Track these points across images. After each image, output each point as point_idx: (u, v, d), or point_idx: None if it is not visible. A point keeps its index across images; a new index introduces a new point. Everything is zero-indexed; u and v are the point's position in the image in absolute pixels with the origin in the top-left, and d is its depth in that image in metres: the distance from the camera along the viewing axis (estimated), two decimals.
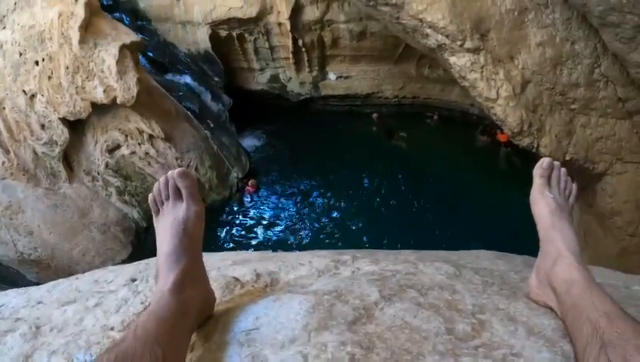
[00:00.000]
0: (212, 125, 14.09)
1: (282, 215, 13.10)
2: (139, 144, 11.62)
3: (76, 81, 10.53)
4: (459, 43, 8.17)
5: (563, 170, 1.67)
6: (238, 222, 12.94)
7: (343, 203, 13.29)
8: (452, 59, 8.42)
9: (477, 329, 1.28)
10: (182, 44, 15.60)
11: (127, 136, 11.52)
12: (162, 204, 1.59)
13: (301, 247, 11.94)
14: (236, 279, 1.82)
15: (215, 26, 14.46)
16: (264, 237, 12.48)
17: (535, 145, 8.36)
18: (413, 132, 15.12)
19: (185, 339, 1.30)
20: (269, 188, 13.92)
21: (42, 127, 10.94)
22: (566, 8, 7.56)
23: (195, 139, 12.66)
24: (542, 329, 1.30)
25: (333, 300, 1.40)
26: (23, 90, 10.84)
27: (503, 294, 1.53)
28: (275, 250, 11.71)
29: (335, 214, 12.96)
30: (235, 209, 13.23)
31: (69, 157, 11.50)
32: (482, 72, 8.25)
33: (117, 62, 10.48)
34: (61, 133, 10.92)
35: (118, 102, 10.66)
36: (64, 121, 10.83)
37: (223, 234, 12.55)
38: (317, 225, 12.71)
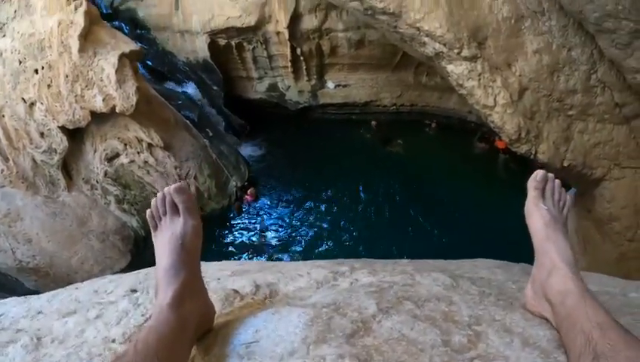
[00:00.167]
0: (211, 134, 14.11)
1: (281, 223, 13.09)
2: (138, 153, 11.63)
3: (75, 90, 10.56)
4: (456, 51, 8.21)
5: (557, 181, 1.69)
6: (236, 230, 12.94)
7: (341, 211, 13.30)
8: (449, 68, 8.47)
9: (473, 340, 1.29)
10: (181, 53, 15.65)
11: (126, 144, 11.53)
12: (160, 219, 1.61)
13: (300, 256, 11.94)
14: (235, 291, 1.83)
15: (214, 35, 14.51)
16: (263, 246, 12.48)
17: (533, 152, 8.39)
18: (411, 139, 15.17)
19: (185, 353, 1.32)
20: (267, 197, 13.93)
21: (41, 135, 10.96)
22: (562, 15, 7.61)
23: (194, 147, 12.68)
24: (537, 340, 1.31)
25: (331, 313, 1.41)
26: (23, 98, 10.87)
27: (499, 305, 1.54)
28: (274, 258, 11.72)
29: (334, 222, 12.96)
30: (234, 217, 13.22)
31: (68, 166, 11.52)
32: (480, 79, 8.29)
33: (116, 71, 10.51)
34: (60, 142, 10.94)
35: (117, 110, 10.67)
36: (63, 129, 10.85)
37: (221, 243, 12.54)
38: (316, 234, 12.71)
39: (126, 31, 15.34)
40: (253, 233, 12.86)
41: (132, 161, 11.66)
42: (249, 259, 12.01)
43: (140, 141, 11.54)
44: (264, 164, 15.17)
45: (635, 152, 8.16)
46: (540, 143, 8.34)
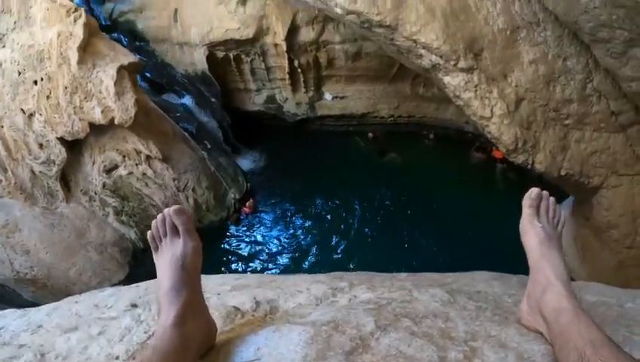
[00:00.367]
0: (209, 146, 14.14)
1: (279, 235, 13.09)
2: (136, 165, 11.65)
3: (74, 101, 10.61)
4: (453, 63, 8.27)
5: (551, 199, 1.72)
6: (235, 242, 12.93)
7: (340, 222, 13.30)
8: (446, 79, 8.52)
9: (469, 356, 1.32)
10: (179, 65, 15.70)
11: (124, 156, 11.56)
12: (160, 240, 1.65)
13: (298, 267, 11.93)
14: (236, 308, 1.85)
15: (212, 47, 14.57)
16: (261, 258, 12.46)
17: (530, 162, 8.43)
18: (409, 150, 15.19)
19: None
20: (266, 209, 13.93)
21: (40, 146, 11.00)
22: (557, 26, 7.69)
23: (192, 159, 12.70)
24: (531, 355, 1.34)
25: (331, 331, 1.44)
26: (22, 109, 10.92)
27: (495, 320, 1.57)
28: (272, 270, 11.71)
29: (332, 234, 12.96)
30: (233, 229, 13.23)
31: (66, 177, 11.54)
32: (476, 90, 8.34)
33: (115, 83, 10.56)
34: (59, 153, 10.97)
35: (115, 122, 10.71)
36: (62, 140, 10.89)
37: (220, 255, 12.51)
38: (314, 245, 12.70)
39: (125, 43, 15.43)
40: (251, 245, 12.86)
41: (130, 173, 11.68)
42: (248, 271, 12.00)
43: (138, 153, 11.57)
44: (262, 175, 15.19)
45: (631, 160, 8.23)
46: (537, 153, 8.39)
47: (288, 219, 13.59)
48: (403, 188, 13.90)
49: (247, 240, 13.03)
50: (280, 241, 12.94)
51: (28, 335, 1.91)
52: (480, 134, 9.53)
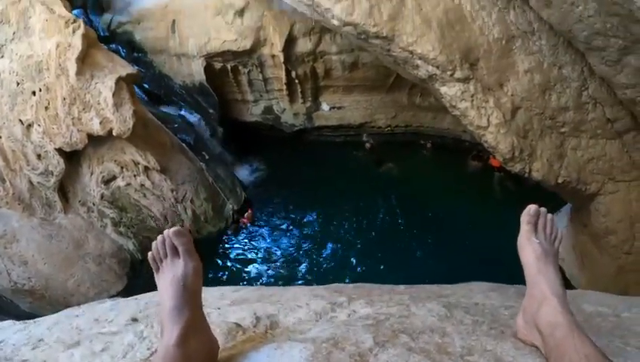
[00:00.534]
0: (207, 157, 14.16)
1: (278, 246, 13.08)
2: (134, 176, 11.67)
3: (73, 112, 10.64)
4: (449, 73, 8.32)
5: (549, 216, 1.76)
6: (234, 253, 12.93)
7: (338, 233, 13.31)
8: (443, 89, 8.57)
9: None
10: (177, 76, 15.74)
11: (122, 167, 11.57)
12: (161, 261, 1.68)
13: (297, 278, 11.93)
14: (237, 324, 1.87)
15: (210, 58, 14.62)
16: (260, 269, 12.44)
17: (527, 171, 8.47)
18: (406, 160, 15.22)
19: None
20: (264, 220, 13.93)
21: (38, 157, 11.02)
22: (552, 35, 7.76)
23: (190, 171, 12.71)
24: None
25: (330, 348, 1.45)
26: (20, 120, 10.94)
27: (491, 334, 1.59)
28: (271, 281, 11.70)
29: (330, 244, 12.96)
30: (231, 240, 13.22)
31: (64, 188, 11.55)
32: (473, 100, 8.39)
33: (113, 94, 10.59)
34: (57, 164, 10.98)
35: (114, 133, 10.74)
36: (60, 151, 10.90)
37: (218, 266, 12.51)
38: (312, 256, 12.70)
39: (123, 54, 15.46)
40: (249, 256, 12.85)
41: (128, 184, 11.69)
42: (246, 282, 12.00)
43: (136, 164, 11.58)
44: (260, 186, 15.19)
45: (628, 166, 8.29)
46: (534, 161, 8.43)
47: (286, 230, 13.59)
48: (401, 198, 13.92)
49: (245, 251, 13.02)
50: (278, 252, 12.93)
51: (29, 349, 1.92)
52: (477, 143, 9.57)
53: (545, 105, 8.26)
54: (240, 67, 14.96)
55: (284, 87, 15.14)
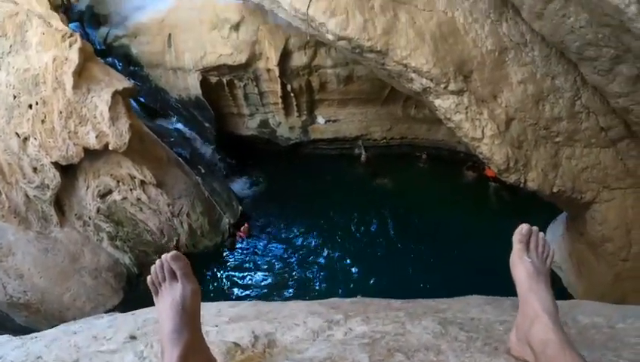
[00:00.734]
0: (203, 171, 14.18)
1: (274, 259, 13.05)
2: (130, 190, 11.66)
3: (69, 126, 10.67)
4: (443, 86, 8.42)
5: (541, 234, 1.81)
6: (230, 267, 12.88)
7: (334, 246, 13.29)
8: (437, 102, 8.66)
9: None
10: (173, 90, 15.79)
11: (118, 181, 11.57)
12: (160, 285, 1.74)
13: (294, 292, 11.89)
14: (236, 344, 1.90)
15: (205, 72, 14.70)
16: (257, 283, 12.41)
17: (522, 181, 8.54)
18: (402, 172, 15.27)
19: None
20: (260, 233, 13.90)
21: (34, 170, 11.02)
22: (544, 46, 7.89)
23: (186, 185, 12.72)
24: None
25: None
26: (17, 133, 10.96)
27: (485, 351, 1.62)
28: (268, 295, 11.66)
29: (327, 257, 12.95)
30: (227, 254, 13.18)
31: (60, 201, 11.52)
32: (467, 112, 8.48)
33: (109, 108, 10.64)
34: (53, 177, 10.98)
35: (110, 147, 10.76)
36: (56, 165, 10.91)
37: (215, 281, 12.47)
38: (308, 269, 12.66)
39: (119, 67, 15.53)
40: (246, 269, 12.81)
41: (125, 198, 11.68)
42: (243, 296, 11.96)
43: (132, 178, 11.59)
44: (256, 200, 15.17)
45: (622, 174, 8.38)
46: (529, 171, 8.51)
47: (283, 243, 13.57)
48: (397, 210, 13.94)
49: (242, 264, 12.98)
50: (275, 266, 12.89)
51: None
52: (472, 154, 9.64)
53: (539, 116, 8.37)
54: (236, 81, 15.04)
55: (280, 100, 15.21)
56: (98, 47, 15.74)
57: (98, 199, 11.52)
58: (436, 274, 11.65)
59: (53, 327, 3.39)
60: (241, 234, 13.48)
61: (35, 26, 11.01)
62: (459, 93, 8.51)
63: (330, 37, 9.06)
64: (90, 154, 11.05)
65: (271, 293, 12.03)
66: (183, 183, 12.68)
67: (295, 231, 13.90)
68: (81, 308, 10.78)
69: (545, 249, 1.79)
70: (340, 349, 1.65)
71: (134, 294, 11.25)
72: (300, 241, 13.59)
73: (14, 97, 10.96)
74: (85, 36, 15.27)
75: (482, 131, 8.49)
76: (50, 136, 10.75)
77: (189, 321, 1.66)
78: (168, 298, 1.70)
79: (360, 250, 13.17)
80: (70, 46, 10.70)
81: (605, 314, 2.37)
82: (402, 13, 8.69)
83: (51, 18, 11.08)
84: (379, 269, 12.34)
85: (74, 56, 10.61)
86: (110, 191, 11.62)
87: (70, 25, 13.34)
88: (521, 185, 8.66)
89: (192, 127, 16.05)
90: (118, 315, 3.03)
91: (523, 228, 1.81)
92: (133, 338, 2.10)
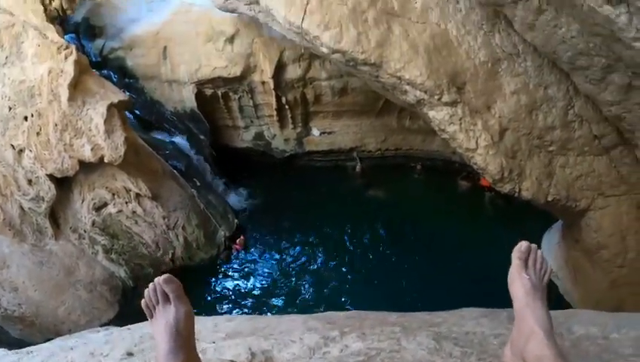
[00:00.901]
0: (198, 183, 14.17)
1: (270, 272, 13.02)
2: (126, 203, 11.63)
3: (64, 139, 10.66)
4: (437, 97, 8.49)
5: (539, 252, 1.86)
6: (226, 280, 12.84)
7: (330, 258, 13.29)
8: (431, 113, 8.73)
9: None
10: (168, 102, 15.81)
11: (114, 194, 11.54)
12: (154, 308, 1.77)
13: (290, 304, 11.87)
14: None
15: (200, 84, 14.75)
16: (253, 295, 12.37)
17: (517, 190, 8.60)
18: (397, 183, 15.31)
19: None
20: (256, 246, 13.88)
21: (29, 182, 10.99)
22: (537, 56, 7.99)
23: (181, 197, 12.71)
24: None
25: None
26: (12, 145, 10.95)
27: None
28: (264, 307, 11.62)
29: (323, 270, 12.93)
30: (223, 267, 13.14)
31: (55, 214, 11.48)
32: (461, 123, 8.55)
33: (105, 120, 10.64)
34: (48, 190, 10.94)
35: (105, 160, 10.76)
36: (51, 177, 10.88)
37: (211, 293, 12.43)
38: (305, 281, 12.64)
39: (115, 79, 15.50)
40: (242, 282, 12.77)
41: (120, 211, 11.65)
42: (239, 308, 11.90)
43: (127, 191, 11.56)
44: (252, 212, 15.15)
45: (616, 181, 8.47)
46: (523, 181, 8.57)
47: (278, 256, 13.54)
48: (392, 221, 13.96)
49: (238, 277, 12.94)
50: (271, 278, 12.86)
51: None
52: (467, 164, 9.70)
53: (532, 126, 8.45)
54: (231, 93, 15.10)
55: (275, 112, 15.26)
56: (94, 59, 15.75)
57: (93, 212, 11.48)
58: (432, 285, 11.64)
59: (48, 341, 3.39)
60: (237, 246, 13.45)
61: (31, 38, 11.05)
62: (453, 104, 8.58)
63: (324, 50, 9.14)
64: (85, 166, 11.03)
65: (267, 306, 11.99)
66: (178, 196, 12.66)
67: (291, 243, 13.88)
68: (76, 321, 10.70)
69: (543, 266, 1.85)
70: None
71: (130, 307, 11.16)
72: (295, 253, 13.57)
73: (10, 109, 10.96)
74: (81, 48, 15.28)
75: (476, 142, 8.55)
76: (45, 148, 10.74)
77: (183, 343, 1.69)
78: (162, 320, 1.73)
79: (355, 261, 13.16)
80: (66, 58, 10.73)
81: (601, 323, 2.39)
82: (396, 26, 8.77)
83: (47, 30, 11.13)
84: (375, 280, 12.33)
85: (69, 69, 10.63)
86: (105, 204, 11.58)
87: (66, 36, 13.39)
88: (516, 194, 8.71)
89: (187, 140, 16.05)
90: (114, 330, 3.04)
91: (522, 245, 1.86)
92: (130, 354, 2.12)
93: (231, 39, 13.97)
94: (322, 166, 16.47)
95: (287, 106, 15.17)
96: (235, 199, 15.55)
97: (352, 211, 14.51)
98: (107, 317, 11.00)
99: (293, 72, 14.34)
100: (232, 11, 12.06)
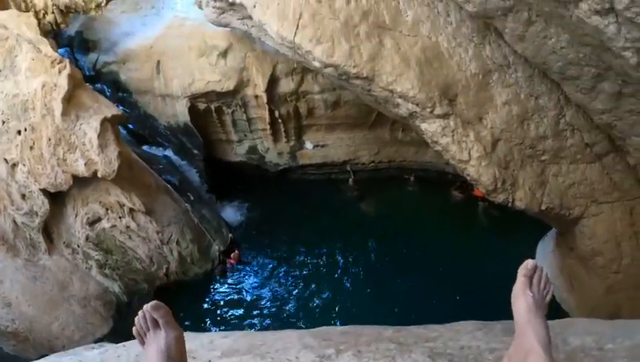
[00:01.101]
0: (192, 198, 14.15)
1: (265, 286, 12.99)
2: (119, 217, 11.58)
3: (58, 153, 10.64)
4: (429, 110, 8.55)
5: (545, 272, 1.91)
6: (221, 294, 12.79)
7: (324, 271, 13.28)
8: (424, 126, 8.80)
9: None
10: (162, 116, 15.84)
11: (107, 209, 11.49)
12: (145, 334, 1.83)
13: (285, 318, 11.87)
14: None
15: (194, 99, 14.79)
16: (247, 310, 12.32)
17: (510, 200, 8.65)
18: (391, 195, 15.35)
19: None
20: (250, 260, 13.84)
21: (23, 196, 10.93)
22: (527, 66, 8.09)
23: (175, 212, 12.66)
24: None
25: None
26: (5, 159, 10.92)
27: None
28: (259, 321, 11.58)
29: (317, 282, 12.90)
30: (218, 281, 13.09)
31: (49, 229, 11.41)
32: (453, 135, 8.61)
33: (98, 135, 10.63)
34: (41, 204, 10.89)
35: (99, 175, 10.72)
36: (45, 192, 10.83)
37: (206, 308, 12.37)
38: (299, 295, 12.61)
39: (108, 93, 15.57)
40: (237, 296, 12.72)
41: (114, 226, 11.59)
42: (234, 322, 11.85)
43: (121, 206, 11.52)
44: (246, 226, 15.12)
45: (609, 188, 8.56)
46: (517, 191, 8.63)
47: (273, 270, 13.50)
48: (387, 233, 13.96)
49: (232, 291, 12.88)
50: (265, 292, 12.82)
51: None
52: (460, 174, 9.77)
53: (524, 135, 8.53)
54: (224, 107, 15.15)
55: (268, 126, 15.32)
56: (87, 72, 15.80)
57: (87, 227, 11.42)
58: (427, 296, 11.65)
59: (42, 357, 3.37)
60: (232, 260, 13.40)
61: (25, 52, 11.07)
62: (445, 116, 8.64)
63: (316, 64, 9.21)
64: (79, 181, 10.99)
65: (262, 319, 11.95)
66: (172, 210, 12.63)
67: (285, 256, 13.86)
68: (70, 336, 10.60)
69: (546, 286, 1.89)
70: None
71: (124, 323, 11.07)
72: (289, 266, 13.54)
73: (3, 123, 10.95)
74: (74, 62, 15.34)
75: (469, 153, 8.61)
76: (38, 162, 10.71)
77: None
78: (154, 346, 1.78)
79: (350, 273, 13.16)
80: (59, 72, 10.74)
81: (596, 333, 2.41)
82: (387, 39, 8.85)
83: (41, 44, 11.15)
84: (370, 292, 12.32)
85: (63, 83, 10.65)
86: (99, 219, 11.52)
87: (59, 50, 13.44)
88: (509, 204, 8.76)
89: (180, 154, 16.06)
90: (109, 346, 3.03)
91: (529, 263, 1.90)
92: None
93: (224, 53, 14.06)
94: (316, 179, 16.49)
95: (280, 120, 15.24)
96: (229, 213, 15.53)
97: (346, 224, 14.52)
98: (101, 332, 10.90)
99: (286, 85, 14.43)
100: (225, 26, 12.16)
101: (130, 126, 16.18)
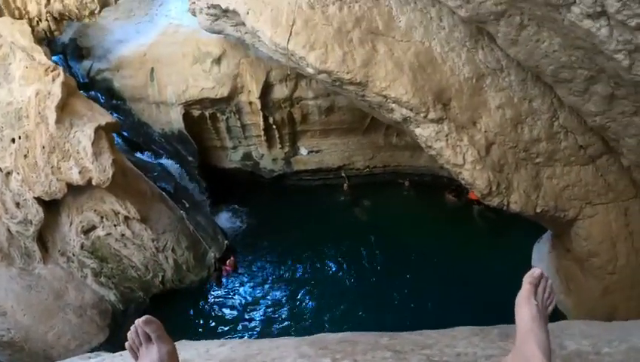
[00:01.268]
0: (187, 205, 14.12)
1: (261, 293, 12.97)
2: (114, 225, 11.54)
3: (52, 161, 10.60)
4: (422, 115, 8.59)
5: (549, 282, 1.93)
6: (217, 302, 12.76)
7: (320, 276, 13.28)
8: (418, 131, 8.82)
9: None
10: (156, 123, 15.80)
11: (102, 217, 11.45)
12: (138, 349, 1.84)
13: (281, 325, 11.87)
14: None
15: (188, 106, 14.77)
16: (243, 317, 12.30)
17: (505, 203, 8.68)
18: (386, 199, 15.37)
19: None
20: (246, 266, 13.81)
21: (17, 205, 10.88)
22: (520, 70, 8.14)
23: (170, 219, 12.63)
24: None
25: None
26: None
27: None
28: (255, 328, 11.56)
29: (313, 289, 12.90)
30: (214, 289, 13.07)
31: (43, 237, 11.35)
32: (447, 139, 8.64)
33: (92, 143, 10.60)
34: (36, 213, 10.84)
35: (93, 183, 10.69)
36: (39, 200, 10.78)
37: (202, 316, 12.34)
38: (295, 302, 12.60)
39: (102, 100, 15.48)
40: (233, 304, 12.69)
41: (109, 234, 11.56)
42: (230, 329, 11.82)
43: (116, 213, 11.48)
44: (241, 233, 15.11)
45: (603, 189, 8.61)
46: (511, 194, 8.66)
47: (269, 277, 13.49)
48: (382, 238, 13.98)
49: (228, 298, 12.86)
50: (261, 299, 12.80)
51: None
52: (455, 178, 9.80)
53: (518, 139, 8.57)
54: (218, 114, 15.14)
55: (262, 133, 15.32)
56: (81, 80, 15.75)
57: (82, 235, 11.37)
58: (423, 300, 11.67)
59: None
60: (227, 267, 13.36)
61: (19, 59, 11.04)
62: (438, 121, 8.67)
63: (310, 70, 9.23)
64: (73, 189, 10.94)
65: (258, 326, 11.92)
66: (167, 218, 12.59)
67: (280, 262, 13.85)
68: (66, 346, 10.52)
69: (550, 296, 1.91)
70: None
71: (120, 331, 11.02)
72: (285, 273, 13.54)
73: None
74: (68, 69, 15.29)
75: (463, 157, 8.64)
76: (33, 171, 10.66)
77: None
78: (147, 360, 1.78)
79: (345, 278, 13.17)
80: (53, 80, 10.73)
81: (593, 336, 2.43)
82: (380, 45, 8.89)
83: (34, 51, 11.13)
84: (366, 297, 12.32)
85: (57, 91, 10.62)
86: (94, 227, 11.48)
87: (53, 57, 13.39)
88: (504, 207, 8.79)
89: (175, 161, 16.02)
90: (106, 356, 3.02)
91: (535, 271, 1.92)
92: None
93: (218, 60, 14.06)
94: (311, 185, 16.50)
95: (274, 126, 15.25)
96: (225, 220, 15.51)
97: (341, 229, 14.53)
98: (97, 341, 10.84)
99: (280, 92, 14.45)
100: (219, 32, 12.17)
101: (125, 133, 16.12)
